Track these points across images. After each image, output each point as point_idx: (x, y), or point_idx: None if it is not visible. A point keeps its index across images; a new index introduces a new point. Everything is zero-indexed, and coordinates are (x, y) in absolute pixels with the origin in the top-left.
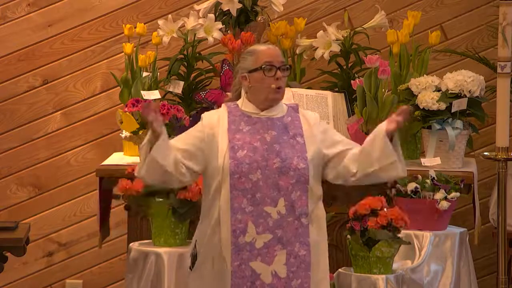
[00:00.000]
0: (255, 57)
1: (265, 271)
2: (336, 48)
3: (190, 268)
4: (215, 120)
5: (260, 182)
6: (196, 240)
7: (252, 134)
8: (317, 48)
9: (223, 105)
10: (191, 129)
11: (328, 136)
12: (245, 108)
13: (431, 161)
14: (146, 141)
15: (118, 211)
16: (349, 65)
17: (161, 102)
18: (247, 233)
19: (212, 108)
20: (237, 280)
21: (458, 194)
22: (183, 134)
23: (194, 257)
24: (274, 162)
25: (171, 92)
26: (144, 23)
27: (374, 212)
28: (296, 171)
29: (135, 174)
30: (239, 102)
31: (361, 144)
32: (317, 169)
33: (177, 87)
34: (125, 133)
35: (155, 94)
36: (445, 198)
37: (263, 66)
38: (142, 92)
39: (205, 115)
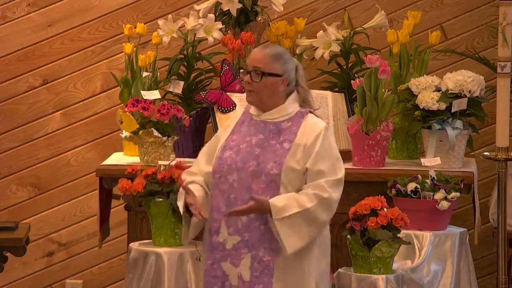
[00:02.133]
0: None
1: (233, 272)
2: (336, 48)
3: (199, 259)
4: (229, 122)
5: (235, 184)
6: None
7: (245, 136)
8: (317, 48)
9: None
10: (214, 137)
11: (312, 151)
12: (251, 110)
13: (431, 161)
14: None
15: (118, 211)
16: (349, 65)
17: (161, 102)
18: (220, 233)
19: (212, 108)
20: (209, 278)
21: (458, 194)
22: (209, 144)
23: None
24: (250, 165)
25: (171, 92)
26: (144, 23)
27: (374, 212)
28: (268, 176)
29: (183, 242)
30: None
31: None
32: (298, 177)
33: (177, 87)
34: (125, 133)
35: (155, 94)
36: (445, 198)
37: (240, 68)
38: (142, 92)
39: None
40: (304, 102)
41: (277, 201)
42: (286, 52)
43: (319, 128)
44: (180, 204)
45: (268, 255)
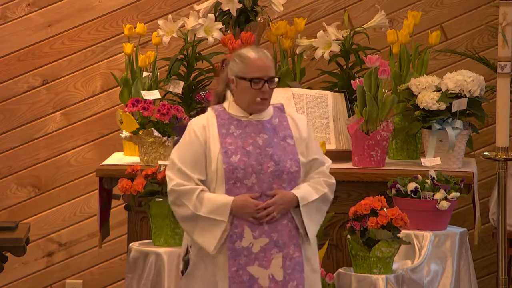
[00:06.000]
0: (245, 66)
1: (263, 275)
2: (336, 48)
3: (182, 272)
4: (204, 125)
5: (255, 186)
6: (188, 245)
7: (244, 138)
8: (317, 48)
9: (209, 109)
10: (186, 142)
11: (310, 141)
12: (233, 112)
13: (431, 161)
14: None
15: (118, 211)
16: (349, 65)
17: (161, 102)
18: (243, 238)
19: None
20: (234, 285)
21: (458, 194)
22: (183, 152)
23: (186, 262)
24: (269, 166)
25: (171, 92)
26: (144, 23)
27: (374, 212)
28: (289, 174)
29: (213, 252)
30: (225, 105)
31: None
32: (304, 169)
33: (177, 87)
34: (125, 133)
35: (155, 94)
36: (445, 198)
37: (251, 79)
38: (142, 92)
39: (194, 122)
40: None
41: (298, 191)
42: None
43: (303, 119)
44: (222, 213)
45: (297, 251)
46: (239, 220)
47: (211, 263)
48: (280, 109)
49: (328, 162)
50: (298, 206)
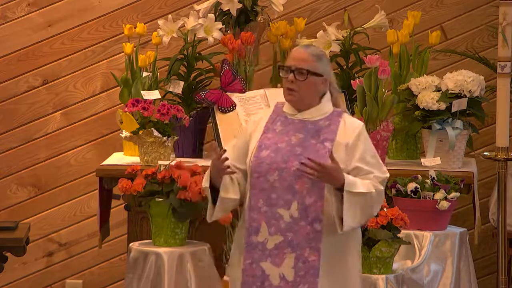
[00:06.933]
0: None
1: (274, 272)
2: (336, 48)
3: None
4: (257, 119)
5: (276, 183)
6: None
7: (281, 135)
8: None
9: (275, 104)
10: (241, 131)
11: (356, 149)
12: (285, 108)
13: (431, 161)
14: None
15: (118, 211)
16: (349, 65)
17: (161, 102)
18: (260, 233)
19: (212, 108)
20: (247, 278)
21: (458, 194)
22: (233, 142)
23: (229, 250)
24: (293, 165)
25: (171, 92)
26: (144, 23)
27: None
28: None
29: (208, 220)
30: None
31: None
32: None
33: (177, 87)
34: (125, 133)
35: (155, 94)
36: (445, 198)
37: (279, 66)
38: (142, 92)
39: (251, 117)
40: (335, 103)
41: (348, 176)
42: (325, 53)
43: (358, 126)
44: (205, 179)
45: (313, 255)
46: (257, 215)
47: (239, 256)
48: (338, 113)
49: (378, 173)
50: (339, 189)
